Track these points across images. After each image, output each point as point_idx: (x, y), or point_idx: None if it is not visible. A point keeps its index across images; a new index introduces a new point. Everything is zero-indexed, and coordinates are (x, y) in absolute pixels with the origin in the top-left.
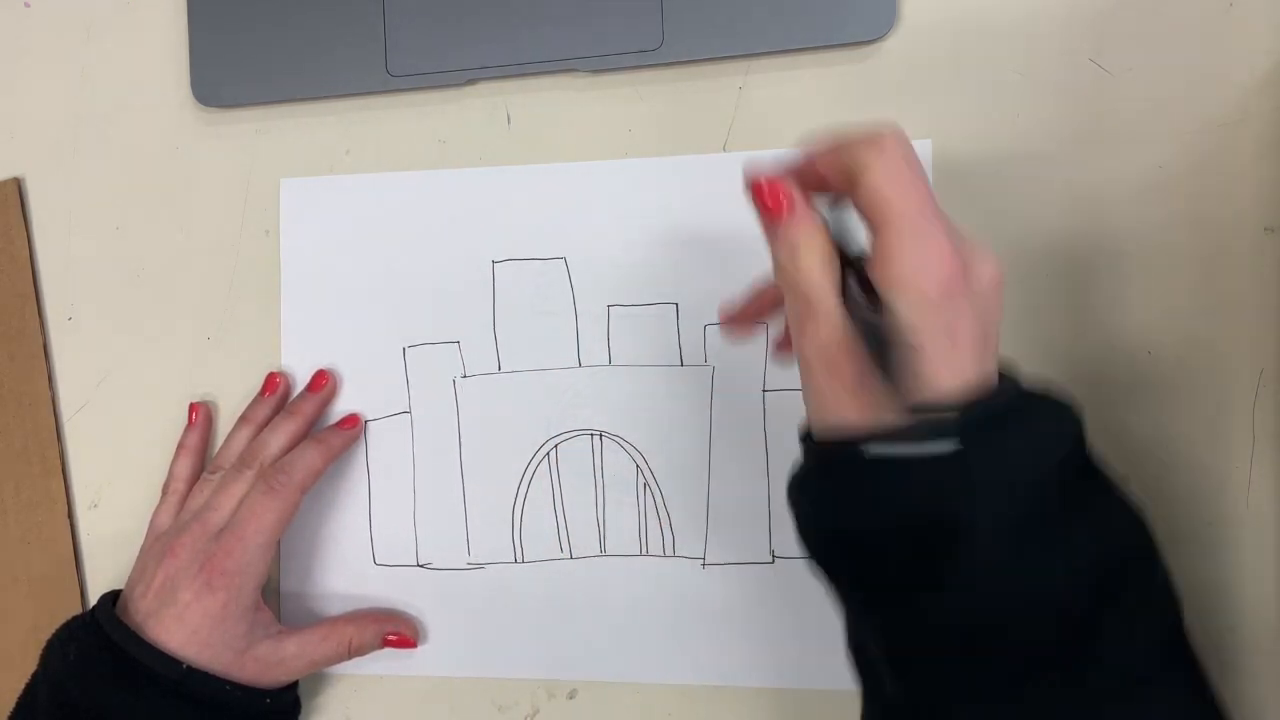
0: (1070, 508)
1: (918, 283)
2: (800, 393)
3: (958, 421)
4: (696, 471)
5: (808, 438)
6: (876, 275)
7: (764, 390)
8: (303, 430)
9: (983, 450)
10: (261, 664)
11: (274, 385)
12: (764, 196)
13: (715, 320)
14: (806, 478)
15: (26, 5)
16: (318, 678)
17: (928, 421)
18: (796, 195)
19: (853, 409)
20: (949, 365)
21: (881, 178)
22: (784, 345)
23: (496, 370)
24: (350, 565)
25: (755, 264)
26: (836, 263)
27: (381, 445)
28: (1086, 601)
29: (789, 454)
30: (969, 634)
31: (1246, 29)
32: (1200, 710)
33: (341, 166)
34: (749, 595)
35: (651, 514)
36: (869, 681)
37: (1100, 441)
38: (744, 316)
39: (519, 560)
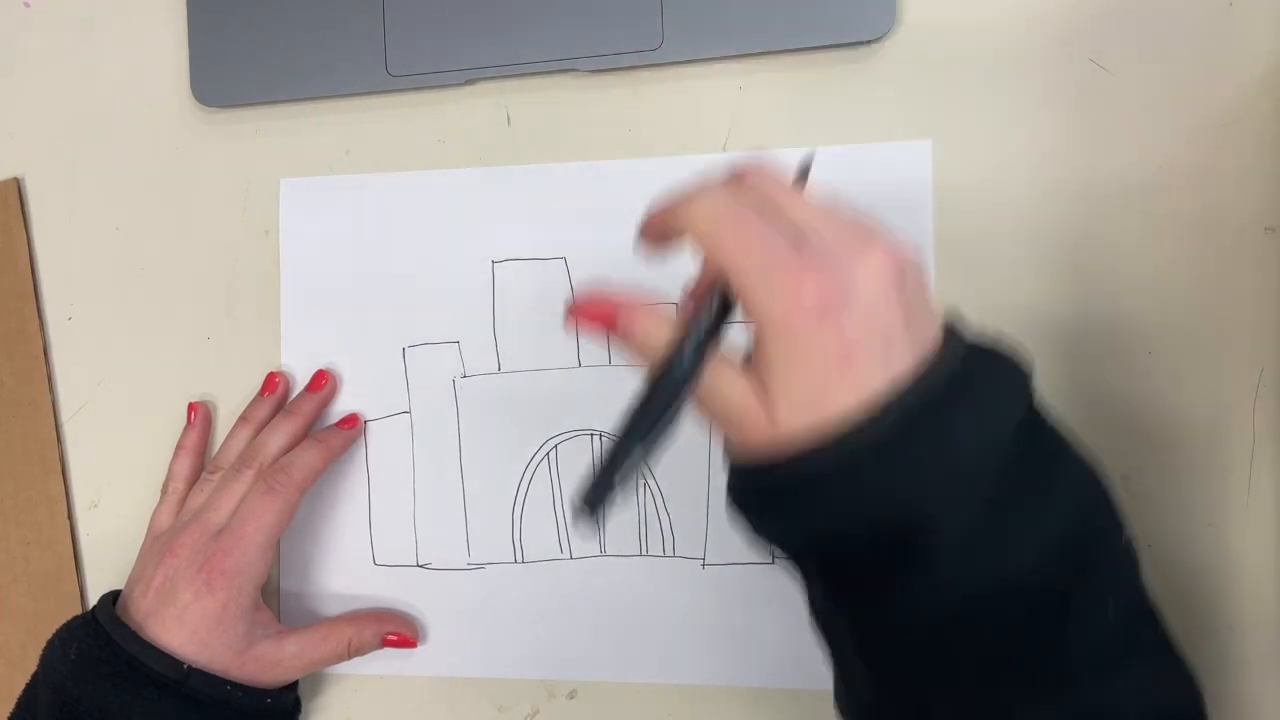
0: (1029, 479)
1: (777, 320)
2: None
3: (895, 409)
4: (696, 471)
5: (733, 480)
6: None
7: None
8: (302, 430)
9: (927, 435)
10: (261, 664)
11: (273, 385)
12: (587, 318)
13: None
14: (747, 495)
15: (26, 5)
16: (318, 678)
17: (876, 416)
18: (617, 304)
19: (770, 433)
20: (849, 383)
21: (702, 232)
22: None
23: (496, 370)
24: (350, 565)
25: None
26: (681, 330)
27: (381, 445)
28: (1055, 580)
29: None
30: (937, 627)
31: (1246, 29)
32: (1170, 679)
33: (341, 166)
34: (749, 595)
35: (651, 514)
36: (836, 649)
37: (1100, 441)
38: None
39: (519, 560)
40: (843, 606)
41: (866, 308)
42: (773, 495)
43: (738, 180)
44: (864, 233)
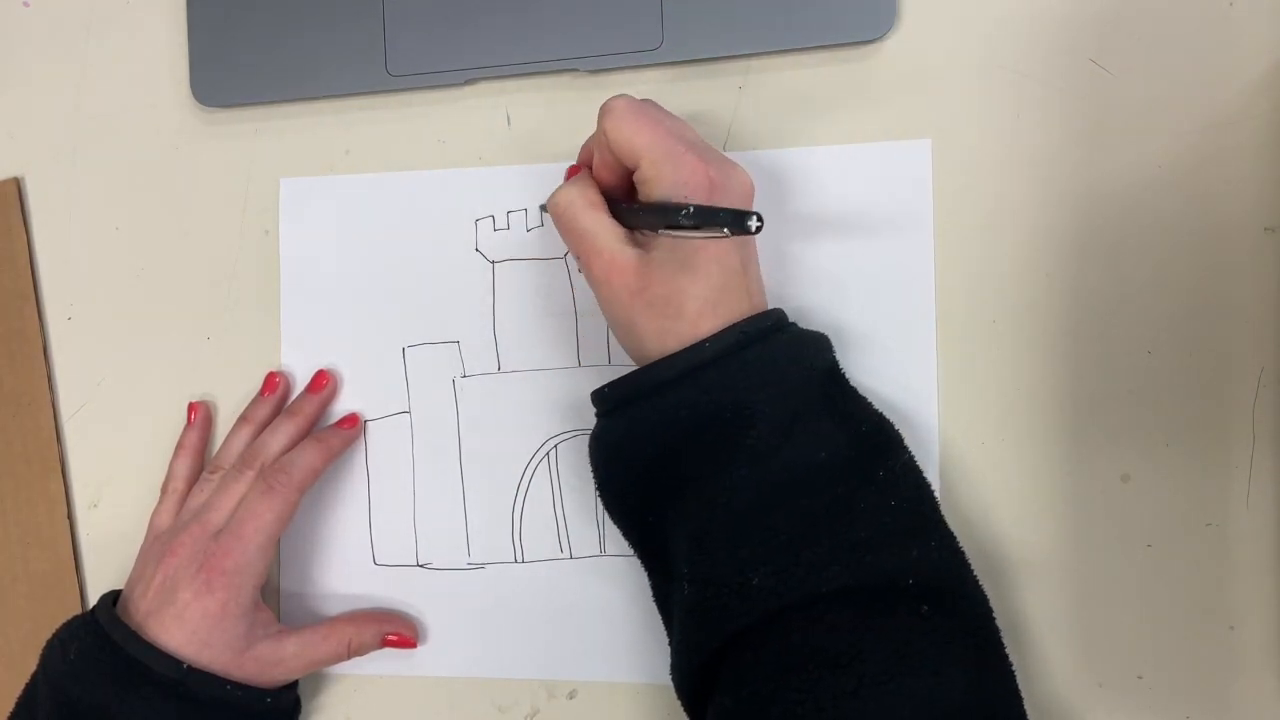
0: (826, 405)
1: (682, 192)
2: None
3: (743, 330)
4: None
5: (605, 391)
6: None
7: None
8: (303, 430)
9: (760, 353)
10: (261, 664)
11: (273, 385)
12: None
13: None
14: (616, 410)
15: (26, 5)
16: (318, 678)
17: (717, 336)
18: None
19: (652, 329)
20: (724, 310)
21: (616, 126)
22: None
23: (496, 370)
24: (350, 565)
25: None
26: (603, 206)
27: (381, 445)
28: (845, 476)
29: None
30: (759, 501)
31: (1246, 29)
32: (953, 557)
33: (341, 166)
34: None
35: None
36: (671, 623)
37: (1100, 442)
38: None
39: (519, 560)
40: (686, 503)
41: (743, 204)
42: (660, 384)
43: (606, 105)
44: (726, 158)
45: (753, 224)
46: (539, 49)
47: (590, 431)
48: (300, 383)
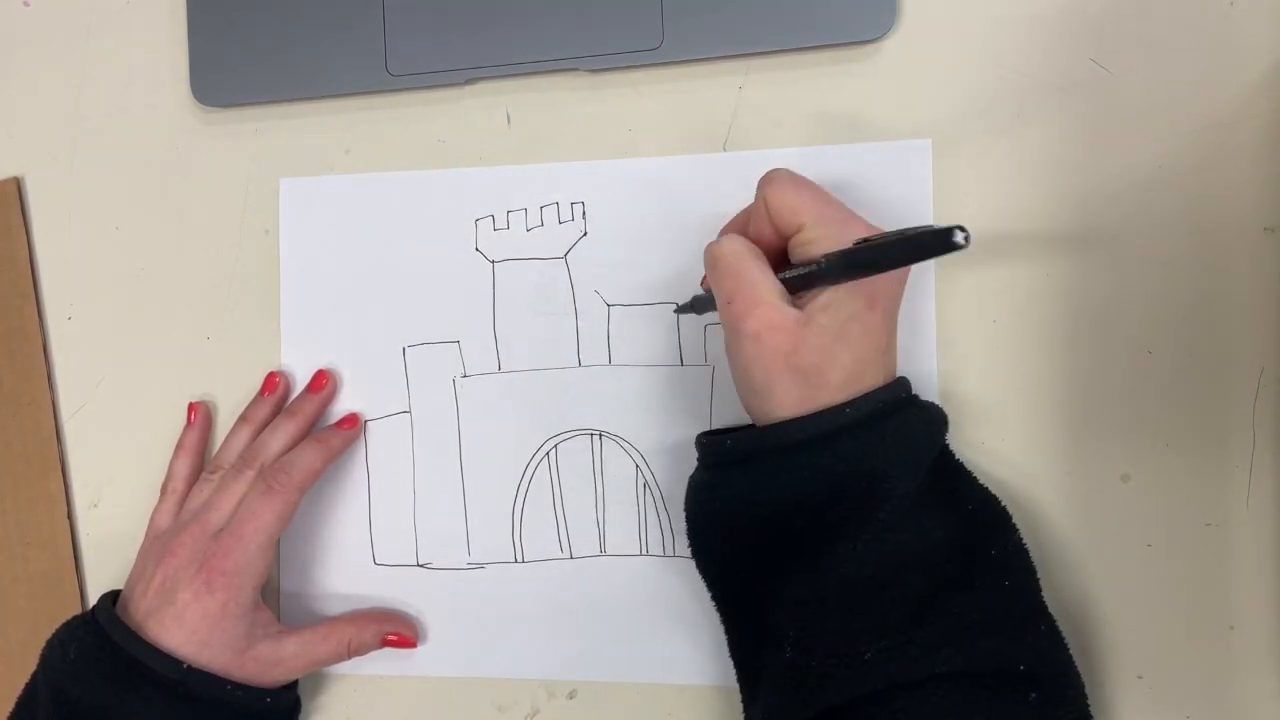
0: (945, 485)
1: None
2: None
3: (881, 399)
4: None
5: (716, 436)
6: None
7: None
8: (303, 430)
9: (896, 421)
10: (261, 663)
11: (273, 385)
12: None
13: (716, 320)
14: (734, 463)
15: (26, 5)
16: (318, 678)
17: (855, 402)
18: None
19: (792, 396)
20: (870, 373)
21: (778, 192)
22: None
23: (496, 370)
24: (350, 565)
25: None
26: (764, 260)
27: (381, 445)
28: (960, 555)
29: None
30: (876, 578)
31: (1246, 29)
32: (1059, 642)
33: (341, 166)
34: None
35: (651, 514)
36: (754, 682)
37: (1100, 442)
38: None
39: (519, 560)
40: (792, 570)
41: (893, 282)
42: (792, 445)
43: (766, 176)
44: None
45: (960, 237)
46: (539, 49)
47: (691, 476)
48: (300, 383)
